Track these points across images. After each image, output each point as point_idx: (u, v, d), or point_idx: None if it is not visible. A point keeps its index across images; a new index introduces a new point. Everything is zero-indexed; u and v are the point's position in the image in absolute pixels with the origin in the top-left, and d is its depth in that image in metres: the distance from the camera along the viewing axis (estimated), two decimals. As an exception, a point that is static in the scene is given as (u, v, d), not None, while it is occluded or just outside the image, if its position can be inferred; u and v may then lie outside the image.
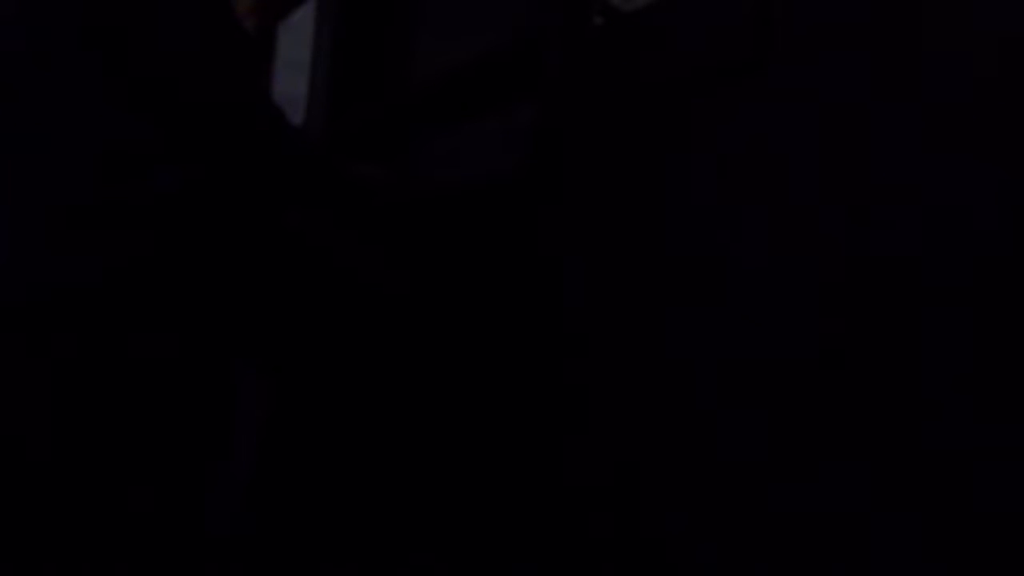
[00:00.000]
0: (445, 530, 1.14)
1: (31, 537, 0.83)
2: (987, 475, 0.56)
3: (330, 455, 1.37)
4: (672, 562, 0.77)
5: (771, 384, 0.71)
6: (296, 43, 2.03)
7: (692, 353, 0.79)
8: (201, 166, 0.93)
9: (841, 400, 0.65)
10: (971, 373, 0.58)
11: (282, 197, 1.04)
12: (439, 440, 1.21)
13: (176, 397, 0.92)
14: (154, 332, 0.90)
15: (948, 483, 0.58)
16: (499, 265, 1.20)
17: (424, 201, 1.31)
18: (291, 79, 2.01)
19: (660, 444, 0.80)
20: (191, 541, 0.94)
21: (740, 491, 0.72)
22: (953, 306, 0.59)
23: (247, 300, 1.04)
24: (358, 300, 1.17)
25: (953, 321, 0.59)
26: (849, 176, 0.67)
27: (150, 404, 0.89)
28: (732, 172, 0.77)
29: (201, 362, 0.95)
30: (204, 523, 0.97)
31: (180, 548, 0.92)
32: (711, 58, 0.81)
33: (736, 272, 0.76)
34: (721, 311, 0.76)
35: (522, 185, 1.10)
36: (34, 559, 0.82)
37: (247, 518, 1.35)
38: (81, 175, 0.86)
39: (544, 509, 0.93)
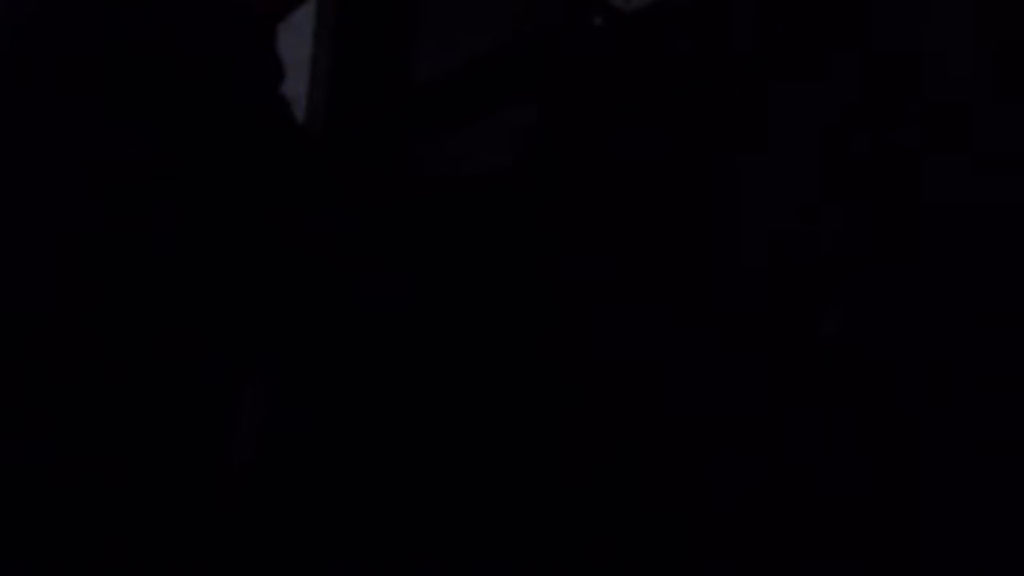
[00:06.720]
0: (445, 530, 1.14)
1: (31, 536, 0.83)
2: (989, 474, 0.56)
3: (329, 455, 1.37)
4: (673, 553, 0.77)
5: (769, 381, 0.71)
6: (296, 43, 2.03)
7: (691, 352, 0.79)
8: (200, 198, 0.93)
9: (841, 394, 0.65)
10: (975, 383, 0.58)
11: (280, 197, 1.04)
12: (438, 439, 1.21)
13: (173, 400, 0.92)
14: (153, 336, 0.90)
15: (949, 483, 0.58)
16: (499, 265, 1.20)
17: (424, 201, 1.31)
18: (291, 79, 2.01)
19: (660, 442, 0.81)
20: (190, 541, 0.94)
21: (742, 493, 0.72)
22: (957, 303, 0.59)
23: (246, 305, 1.04)
24: (356, 302, 1.17)
25: (955, 318, 0.59)
26: (850, 176, 0.68)
27: (148, 407, 0.89)
28: (732, 171, 0.77)
29: (200, 365, 0.95)
30: (204, 522, 0.97)
31: (179, 547, 0.92)
32: (711, 58, 0.81)
33: (736, 271, 0.76)
34: (720, 310, 0.76)
35: (522, 185, 1.10)
36: (34, 559, 0.82)
37: (246, 518, 1.35)
38: (87, 200, 0.86)
39: (543, 508, 0.93)
